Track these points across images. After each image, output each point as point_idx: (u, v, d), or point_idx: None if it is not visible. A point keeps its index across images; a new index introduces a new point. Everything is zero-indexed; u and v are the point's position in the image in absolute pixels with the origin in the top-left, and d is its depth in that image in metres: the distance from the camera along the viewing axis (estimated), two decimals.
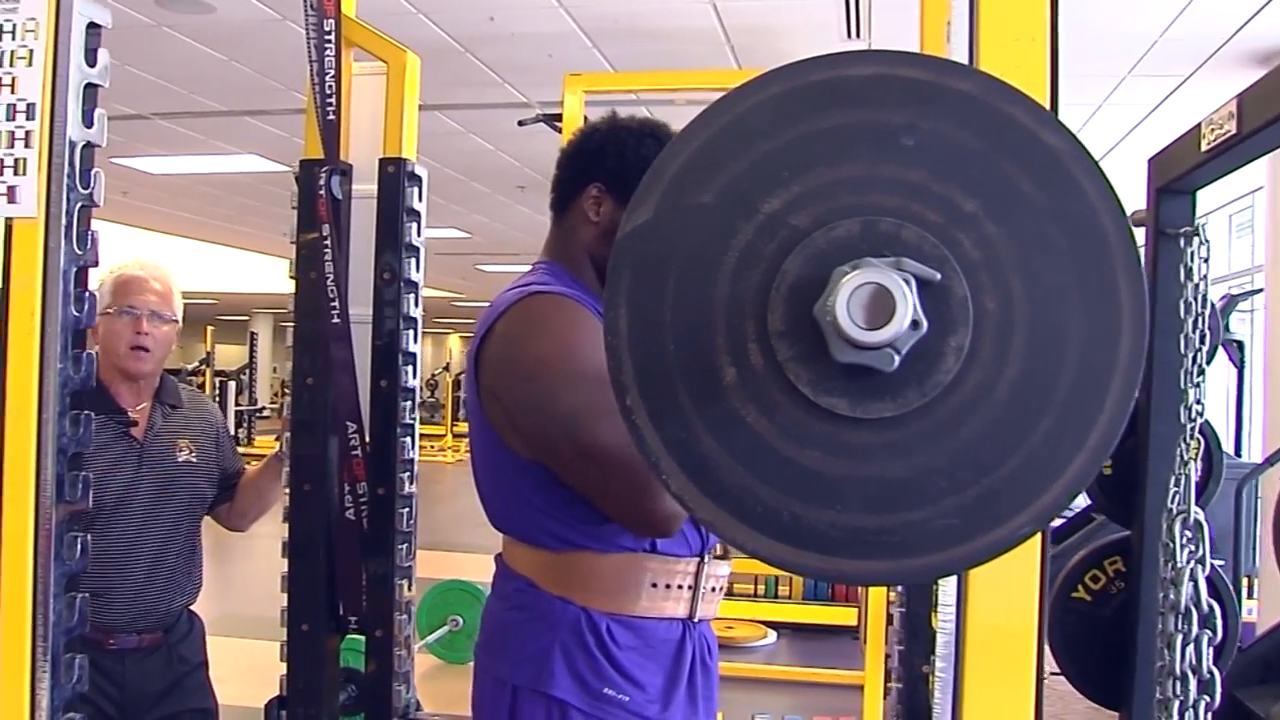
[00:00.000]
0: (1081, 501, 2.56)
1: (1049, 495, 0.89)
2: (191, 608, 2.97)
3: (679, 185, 0.96)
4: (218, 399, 15.85)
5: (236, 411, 15.98)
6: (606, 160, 1.97)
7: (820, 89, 0.94)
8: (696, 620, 1.91)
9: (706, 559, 1.91)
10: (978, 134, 0.91)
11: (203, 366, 17.48)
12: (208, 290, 20.58)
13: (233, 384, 16.36)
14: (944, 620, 1.27)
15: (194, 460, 2.91)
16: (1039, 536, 1.18)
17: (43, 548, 1.46)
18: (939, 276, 0.88)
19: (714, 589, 1.94)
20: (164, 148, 8.73)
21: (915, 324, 0.85)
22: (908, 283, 0.85)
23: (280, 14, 5.33)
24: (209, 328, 18.82)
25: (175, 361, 24.56)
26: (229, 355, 23.83)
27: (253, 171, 9.50)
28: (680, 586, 1.87)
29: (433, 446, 20.97)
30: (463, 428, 23.36)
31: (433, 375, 24.40)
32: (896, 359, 0.86)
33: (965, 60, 1.15)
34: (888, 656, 3.96)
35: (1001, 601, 1.19)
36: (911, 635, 2.27)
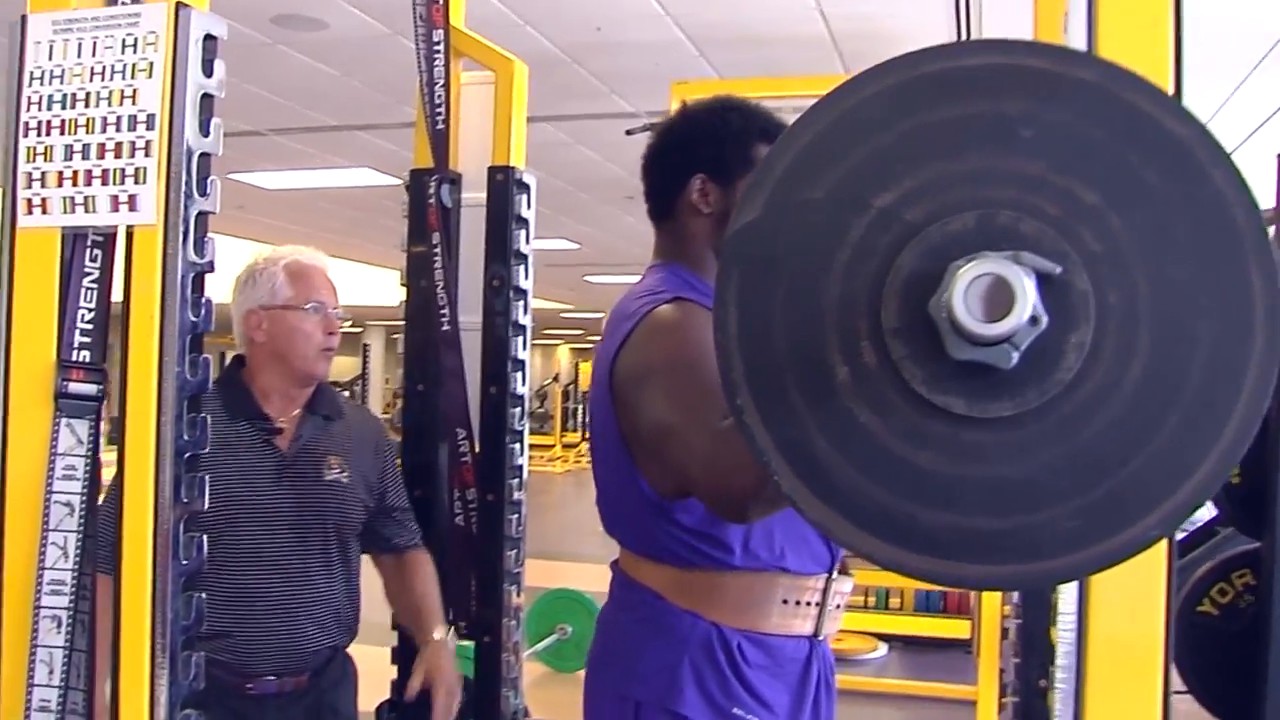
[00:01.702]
0: (1204, 514, 2.47)
1: (1178, 496, 0.85)
2: (348, 650, 2.55)
3: (789, 181, 0.94)
4: None
5: None
6: (700, 149, 1.91)
7: (934, 80, 0.92)
8: (821, 638, 1.87)
9: (834, 575, 1.87)
10: (1099, 123, 0.88)
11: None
12: None
13: (346, 394, 16.62)
14: (1064, 631, 1.23)
15: (344, 480, 2.44)
16: (1164, 544, 1.14)
17: (160, 547, 1.49)
18: (1059, 270, 0.85)
19: (838, 605, 1.90)
20: (279, 163, 8.92)
21: (1035, 319, 0.82)
22: (1027, 275, 0.82)
23: (392, 29, 5.41)
24: None
25: None
26: (342, 366, 24.26)
27: (365, 185, 9.66)
28: (809, 603, 1.83)
29: (542, 457, 21.13)
30: (572, 437, 23.53)
31: (542, 386, 24.61)
32: (1015, 356, 0.84)
33: (1083, 47, 1.12)
34: (1002, 671, 3.87)
35: (1125, 612, 1.15)
36: (1028, 648, 2.21)
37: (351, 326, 26.94)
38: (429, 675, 2.43)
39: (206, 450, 1.55)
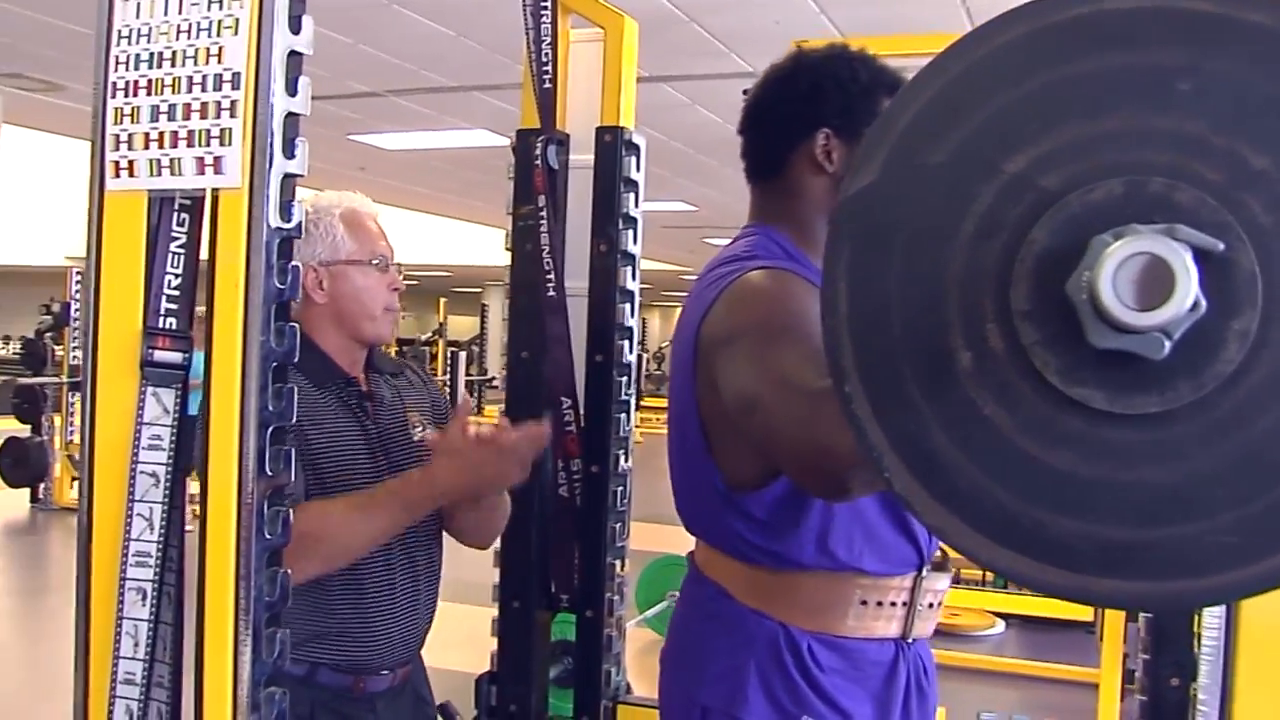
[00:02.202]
0: None
1: None
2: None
3: (909, 142, 0.84)
4: (449, 368, 16.30)
5: (467, 381, 16.38)
6: (826, 100, 1.72)
7: (1077, 27, 0.80)
8: (911, 640, 1.73)
9: (924, 572, 1.72)
10: (1272, 75, 0.75)
11: (436, 337, 18.04)
12: (441, 263, 21.25)
13: (464, 354, 16.80)
14: (1209, 628, 1.11)
15: (429, 437, 2.19)
16: None
17: (245, 522, 1.45)
18: (1221, 247, 0.73)
19: (931, 605, 1.75)
20: (398, 124, 8.98)
21: (1194, 304, 0.71)
22: (1189, 254, 0.70)
23: None
24: (442, 299, 19.37)
25: (410, 331, 25.46)
26: (461, 326, 24.58)
27: (483, 146, 9.67)
28: (894, 604, 1.69)
29: (659, 419, 21.11)
30: None
31: (660, 348, 24.57)
32: (1167, 345, 0.72)
33: None
34: (1126, 656, 3.71)
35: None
36: (1159, 644, 2.07)
37: (471, 286, 27.26)
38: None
39: (293, 422, 1.49)
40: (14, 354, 18.37)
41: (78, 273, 10.90)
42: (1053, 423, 0.78)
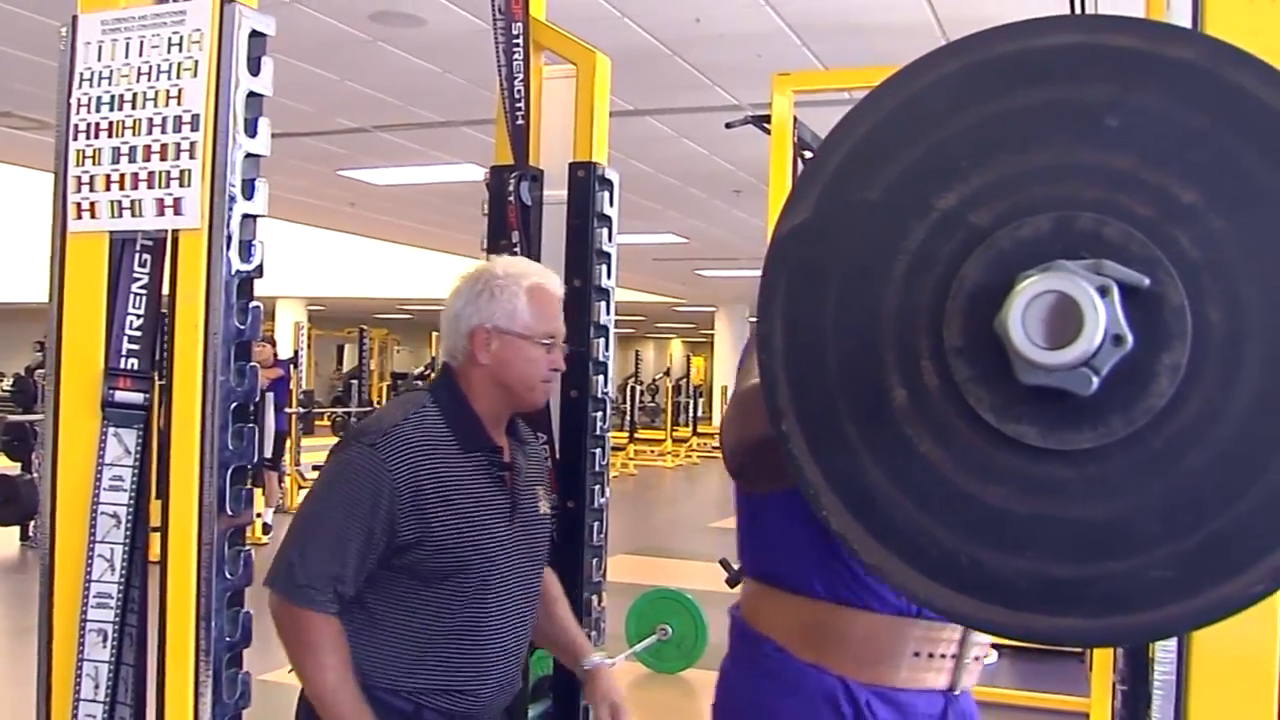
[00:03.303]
0: None
1: None
2: None
3: (841, 180, 0.84)
4: None
5: None
6: None
7: (1006, 63, 0.80)
8: (957, 692, 1.71)
9: None
10: (1199, 109, 0.75)
11: (428, 371, 18.05)
12: (433, 297, 21.27)
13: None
14: (1163, 652, 1.11)
15: (547, 510, 2.31)
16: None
17: (205, 561, 1.45)
18: (1148, 281, 0.73)
19: (976, 658, 1.73)
20: (386, 159, 9.01)
21: (1118, 339, 0.71)
22: (1103, 290, 0.70)
23: (489, 24, 5.38)
24: (434, 333, 19.39)
25: (405, 365, 25.48)
26: None
27: (470, 181, 9.70)
28: (944, 655, 1.68)
29: (652, 451, 21.11)
30: (683, 432, 23.52)
31: (653, 380, 24.60)
32: (1095, 381, 0.72)
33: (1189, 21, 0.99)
34: (1115, 685, 3.70)
35: (1232, 624, 1.02)
36: (1135, 674, 2.07)
37: None
38: (608, 704, 2.29)
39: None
40: (5, 391, 18.38)
41: None
42: (988, 459, 0.78)
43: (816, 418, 0.83)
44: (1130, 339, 0.73)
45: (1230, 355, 0.74)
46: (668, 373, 26.09)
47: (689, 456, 22.70)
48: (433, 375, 13.13)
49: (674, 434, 22.69)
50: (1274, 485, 0.73)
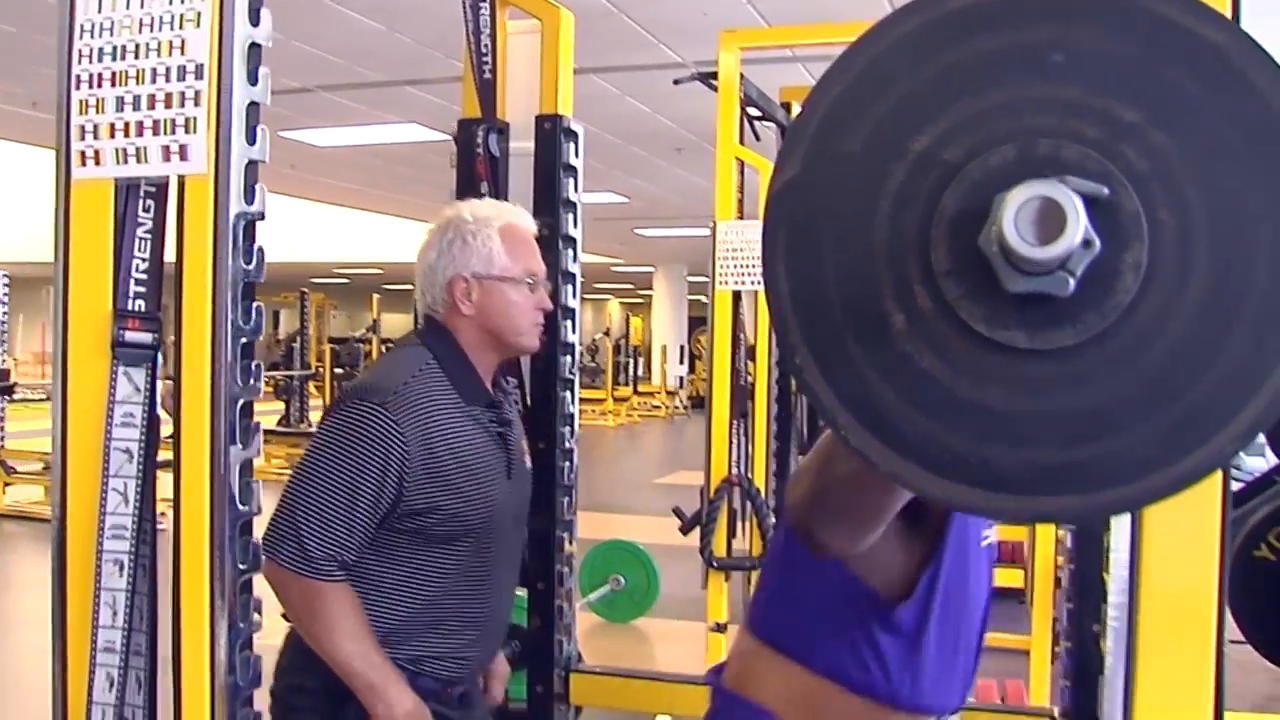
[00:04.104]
0: (1262, 464, 2.45)
1: (1251, 410, 0.84)
2: None
3: (824, 135, 0.94)
4: None
5: None
6: None
7: (959, 17, 0.91)
8: None
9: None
10: (1131, 40, 0.86)
11: (369, 334, 17.99)
12: (374, 260, 21.16)
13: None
14: (1117, 572, 1.22)
15: (530, 468, 2.32)
16: (1219, 485, 1.13)
17: (218, 493, 1.51)
18: (1106, 191, 0.84)
19: None
20: (329, 120, 8.97)
21: (1087, 242, 0.81)
22: (1075, 198, 0.81)
23: None
24: (375, 296, 19.32)
25: (343, 329, 25.29)
26: (395, 323, 24.50)
27: (414, 141, 9.69)
28: None
29: (593, 410, 21.23)
30: (623, 391, 23.64)
31: (593, 340, 24.67)
32: (1072, 282, 0.83)
33: None
34: (1055, 619, 3.86)
35: (1178, 554, 1.13)
36: (1082, 595, 2.20)
37: (404, 284, 27.11)
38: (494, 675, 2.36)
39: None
40: None
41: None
42: (983, 366, 0.88)
43: (826, 348, 0.92)
44: (1098, 243, 0.83)
45: (1182, 250, 0.84)
46: (607, 333, 26.16)
47: (630, 415, 22.84)
48: (372, 338, 12.92)
49: (615, 393, 22.83)
50: (1231, 361, 0.84)
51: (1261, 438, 2.11)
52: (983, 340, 0.87)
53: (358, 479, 1.88)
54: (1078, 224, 0.80)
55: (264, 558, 1.76)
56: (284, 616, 1.99)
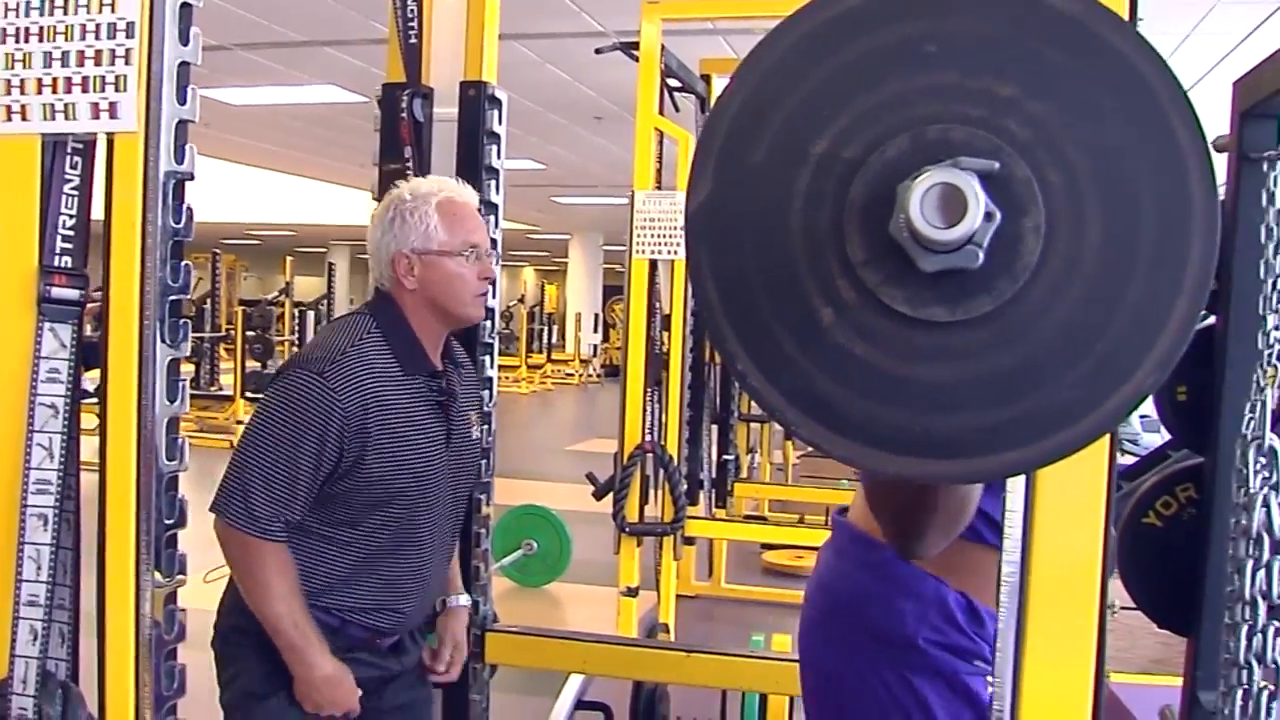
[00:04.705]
0: (1156, 439, 2.54)
1: (1162, 342, 0.90)
2: None
3: (729, 151, 0.98)
4: (297, 329, 16.11)
5: None
6: None
7: (839, 21, 0.96)
8: None
9: None
10: (998, 22, 0.93)
11: (281, 297, 17.76)
12: (287, 222, 20.87)
13: (311, 314, 16.60)
14: (1009, 541, 1.28)
15: (478, 436, 2.40)
16: (1106, 455, 1.19)
17: (144, 449, 1.53)
18: (997, 165, 0.89)
19: None
20: (245, 79, 8.83)
21: (989, 215, 0.87)
22: (971, 177, 0.87)
23: None
24: (288, 259, 19.06)
25: (254, 292, 24.91)
26: (307, 287, 24.18)
27: (332, 103, 9.58)
28: None
29: (507, 378, 21.20)
30: (537, 359, 23.62)
31: (508, 307, 24.59)
32: (980, 254, 0.89)
33: None
34: None
35: (1067, 523, 1.20)
36: None
37: (316, 246, 26.79)
38: (443, 644, 2.45)
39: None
40: None
41: None
42: (912, 344, 0.93)
43: (763, 350, 0.97)
44: (998, 213, 0.89)
45: (1075, 207, 0.91)
46: (522, 300, 26.09)
47: (543, 383, 22.83)
48: (284, 301, 12.72)
49: (529, 361, 22.80)
50: (1137, 300, 0.90)
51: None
52: (908, 320, 0.93)
53: (298, 443, 1.97)
54: (978, 202, 0.86)
55: (214, 514, 1.96)
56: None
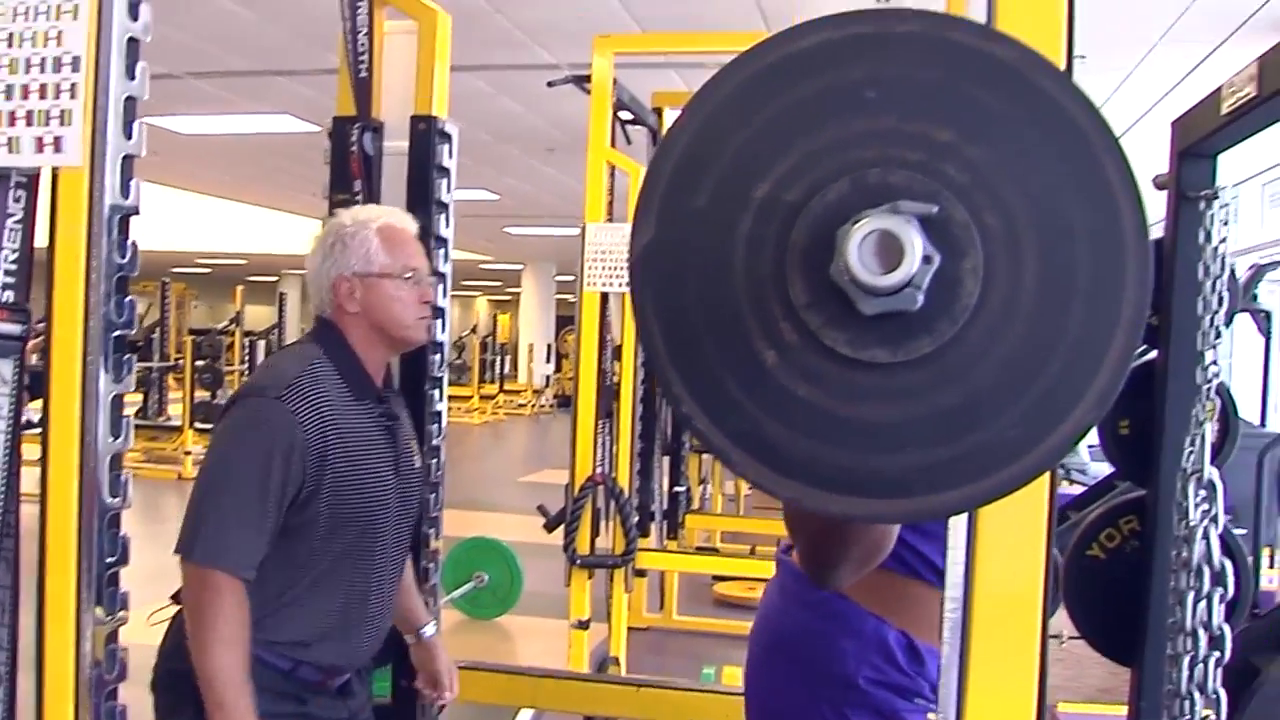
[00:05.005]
0: (1103, 469, 2.58)
1: (1102, 379, 0.91)
2: None
3: (672, 196, 0.98)
4: (247, 359, 15.98)
5: None
6: None
7: (778, 67, 0.97)
8: None
9: None
10: (932, 68, 0.94)
11: (232, 326, 17.61)
12: (238, 251, 20.72)
13: (262, 344, 16.49)
14: (953, 573, 1.29)
15: (420, 465, 2.39)
16: (1046, 492, 1.20)
17: (87, 486, 1.52)
18: (935, 209, 0.90)
19: None
20: (196, 107, 8.77)
21: (928, 258, 0.88)
22: (909, 221, 0.88)
23: None
24: (239, 288, 18.92)
25: (204, 321, 24.68)
26: (258, 316, 23.99)
27: (284, 132, 9.53)
28: None
29: (459, 408, 21.11)
30: (489, 389, 23.54)
31: (460, 338, 24.51)
32: (920, 297, 0.89)
33: (984, 19, 1.18)
34: None
35: (1009, 555, 1.21)
36: None
37: (268, 275, 26.61)
38: (434, 673, 2.45)
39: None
40: None
41: None
42: (855, 385, 0.94)
43: (708, 393, 0.97)
44: (937, 256, 0.90)
45: (1012, 249, 0.92)
46: (474, 330, 26.02)
47: (496, 414, 22.75)
48: (234, 330, 12.62)
49: (481, 391, 22.73)
50: (1075, 338, 0.91)
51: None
52: (850, 361, 0.93)
53: (262, 470, 1.93)
54: (914, 248, 0.87)
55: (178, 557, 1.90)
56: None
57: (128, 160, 1.55)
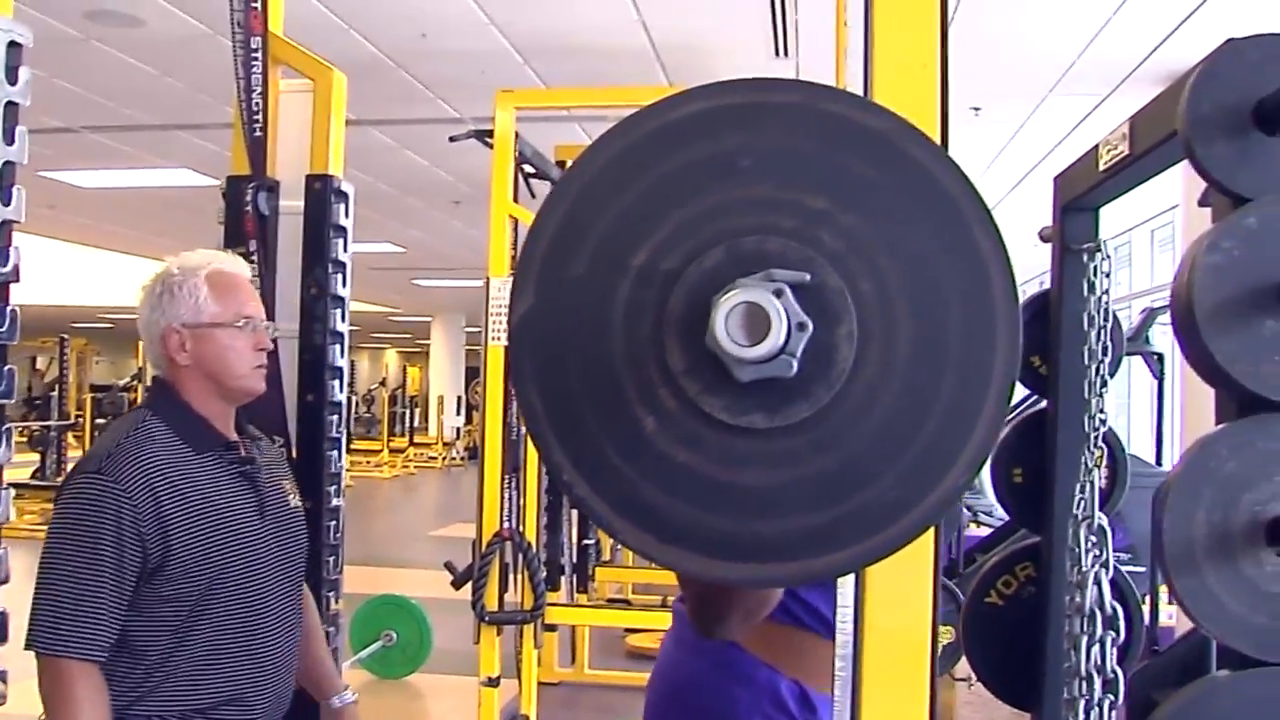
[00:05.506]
0: (1006, 515, 2.62)
1: (974, 441, 0.93)
2: None
3: (551, 263, 0.98)
4: None
5: None
6: None
7: (655, 137, 0.98)
8: None
9: None
10: (806, 137, 0.96)
11: (134, 382, 17.23)
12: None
13: None
14: (842, 623, 1.30)
15: (298, 503, 2.29)
16: (931, 539, 1.21)
17: None
18: (808, 277, 0.92)
19: None
20: (94, 161, 8.64)
21: (801, 325, 0.89)
22: (778, 293, 0.89)
23: (211, 29, 5.32)
24: (139, 343, 18.53)
25: (106, 377, 24.15)
26: None
27: (184, 186, 9.42)
28: None
29: (368, 462, 20.84)
30: (399, 442, 23.29)
31: (369, 390, 24.26)
32: (794, 364, 0.90)
33: (861, 89, 1.20)
34: None
35: (897, 602, 1.22)
36: None
37: None
38: None
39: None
40: None
41: None
42: (733, 450, 0.94)
43: (588, 460, 0.97)
44: (810, 324, 0.91)
45: (886, 314, 0.93)
46: (383, 383, 25.77)
47: (405, 467, 22.48)
48: (138, 385, 12.37)
49: (390, 444, 22.47)
50: (948, 402, 0.93)
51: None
52: (728, 427, 0.94)
53: (96, 550, 1.86)
54: (780, 319, 0.88)
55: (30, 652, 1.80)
56: None
57: (5, 226, 1.52)
